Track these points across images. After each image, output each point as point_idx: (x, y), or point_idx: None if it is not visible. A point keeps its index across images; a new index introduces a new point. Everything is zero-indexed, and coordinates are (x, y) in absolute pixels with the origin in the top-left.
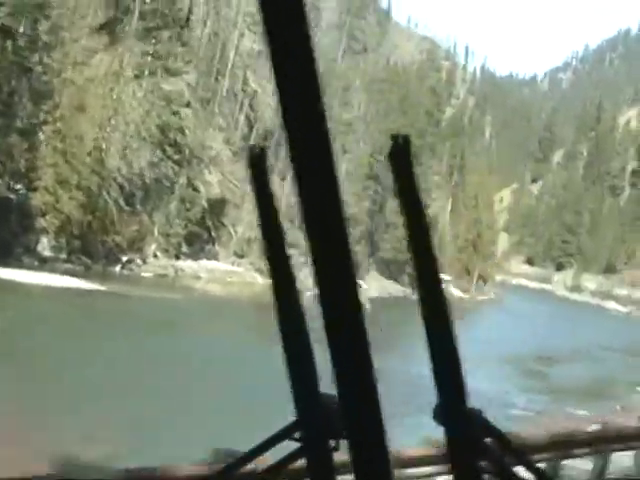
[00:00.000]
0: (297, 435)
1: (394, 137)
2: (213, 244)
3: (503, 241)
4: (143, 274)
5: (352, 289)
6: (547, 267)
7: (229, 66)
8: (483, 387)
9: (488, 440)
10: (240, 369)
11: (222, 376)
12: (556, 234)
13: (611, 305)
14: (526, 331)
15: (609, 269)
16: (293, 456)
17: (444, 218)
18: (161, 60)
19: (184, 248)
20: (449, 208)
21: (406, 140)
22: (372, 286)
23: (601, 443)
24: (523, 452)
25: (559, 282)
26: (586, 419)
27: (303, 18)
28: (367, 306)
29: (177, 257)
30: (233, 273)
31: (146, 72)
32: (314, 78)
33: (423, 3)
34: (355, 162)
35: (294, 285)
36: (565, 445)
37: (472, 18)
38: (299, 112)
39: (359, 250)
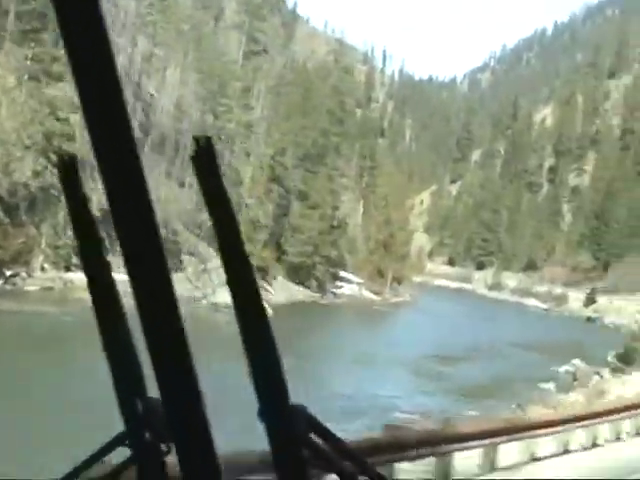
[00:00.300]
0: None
1: (196, 139)
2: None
3: (424, 242)
4: (27, 288)
5: (168, 292)
6: (468, 267)
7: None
8: (374, 390)
9: (313, 435)
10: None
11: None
12: (475, 233)
13: (531, 302)
14: (436, 331)
15: (529, 266)
16: (125, 464)
17: (356, 220)
18: (42, 64)
19: (75, 260)
20: (361, 210)
21: (209, 141)
22: (279, 292)
23: (440, 444)
24: (346, 445)
25: (479, 281)
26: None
27: (99, 22)
28: (269, 312)
29: (67, 269)
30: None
31: (26, 77)
32: (114, 83)
33: (340, 8)
34: (256, 165)
35: (114, 289)
36: (401, 446)
37: (391, 22)
38: (101, 117)
39: (265, 255)
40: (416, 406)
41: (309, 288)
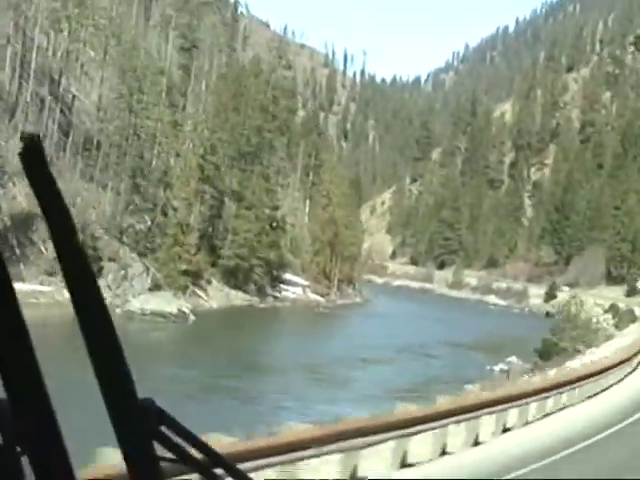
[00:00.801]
0: None
1: (23, 137)
2: (18, 264)
3: (386, 243)
4: None
5: (8, 294)
6: (430, 266)
7: (32, 68)
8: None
9: (164, 429)
10: None
11: None
12: (436, 232)
13: (491, 299)
14: (373, 333)
15: (491, 263)
16: None
17: (301, 220)
18: None
19: None
20: (307, 209)
21: (37, 139)
22: (214, 297)
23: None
24: (199, 439)
25: (441, 280)
26: None
27: None
28: (192, 318)
29: None
30: (40, 293)
31: None
32: None
33: (301, 11)
34: (185, 165)
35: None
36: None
37: (353, 25)
38: None
39: (198, 259)
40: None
41: (247, 292)
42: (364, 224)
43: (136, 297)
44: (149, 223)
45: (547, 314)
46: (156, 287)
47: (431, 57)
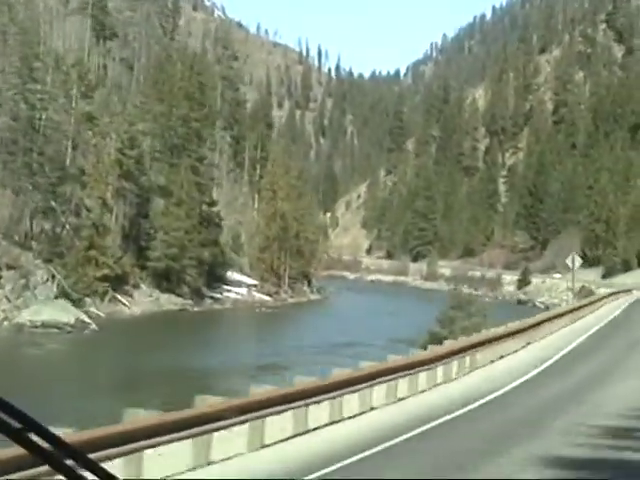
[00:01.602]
0: None
1: None
2: None
3: (361, 238)
4: None
5: None
6: (405, 259)
7: None
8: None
9: (29, 433)
10: None
11: None
12: (411, 224)
13: (464, 290)
14: (306, 334)
15: (468, 252)
16: None
17: (249, 215)
18: None
19: None
20: (254, 204)
21: None
22: (140, 302)
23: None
24: (65, 441)
25: (415, 272)
26: None
27: None
28: (92, 328)
29: None
30: None
31: None
32: None
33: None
34: (97, 160)
35: None
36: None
37: (326, 22)
38: None
39: (124, 262)
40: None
41: (181, 296)
42: (339, 219)
43: (28, 308)
44: (67, 226)
45: (519, 302)
46: (64, 295)
47: (410, 50)
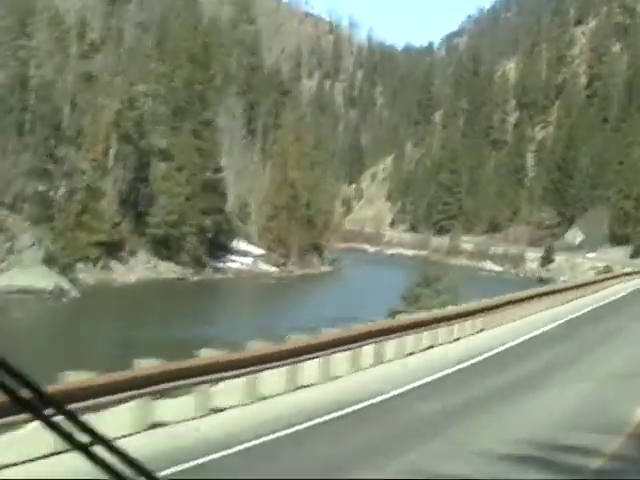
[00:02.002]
0: None
1: None
2: None
3: (385, 211)
4: None
5: None
6: (428, 233)
7: None
8: None
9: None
10: None
11: None
12: (435, 197)
13: (487, 265)
14: (299, 309)
15: (493, 228)
16: None
17: (260, 184)
18: None
19: None
20: (265, 172)
21: None
22: (137, 270)
23: None
24: (42, 389)
25: (437, 247)
26: None
27: None
28: (72, 295)
29: None
30: None
31: None
32: None
33: None
34: (96, 120)
35: None
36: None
37: None
38: None
39: (122, 228)
40: None
41: (181, 264)
42: (364, 191)
43: (24, 271)
44: (63, 189)
45: (540, 280)
46: (51, 261)
47: (445, 23)
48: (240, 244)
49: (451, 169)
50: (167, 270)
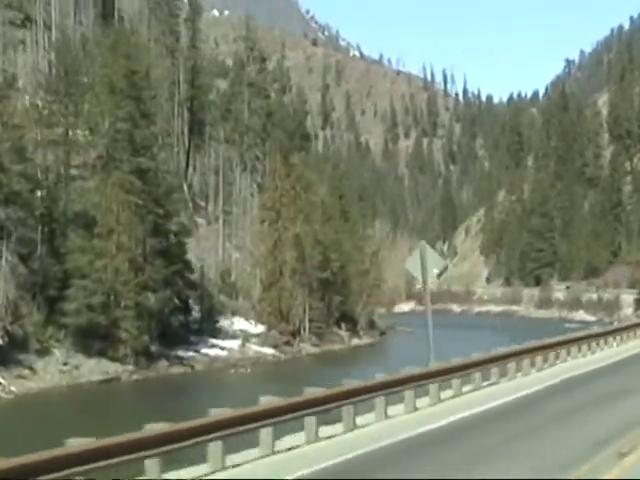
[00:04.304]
0: None
1: None
2: None
3: (479, 265)
4: None
5: None
6: (518, 285)
7: None
8: None
9: None
10: None
11: None
12: (527, 244)
13: (578, 315)
14: None
15: (591, 272)
16: None
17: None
18: None
19: None
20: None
21: None
22: (48, 373)
23: None
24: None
25: (529, 299)
26: None
27: None
28: None
29: None
30: None
31: None
32: None
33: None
34: None
35: None
36: None
37: (450, 47)
38: None
39: (26, 321)
40: None
41: (119, 359)
42: (457, 247)
43: None
44: None
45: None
46: None
47: (537, 71)
48: (234, 322)
49: (541, 212)
50: (96, 370)
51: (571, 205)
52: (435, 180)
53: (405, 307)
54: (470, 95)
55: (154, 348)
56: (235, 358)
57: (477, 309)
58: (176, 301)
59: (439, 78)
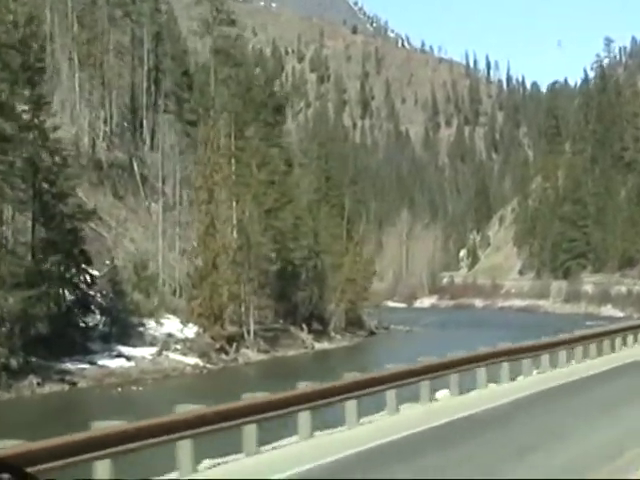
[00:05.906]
0: None
1: None
2: None
3: (512, 257)
4: None
5: None
6: (548, 278)
7: None
8: None
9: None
10: None
11: None
12: (559, 234)
13: (606, 310)
14: None
15: (627, 262)
16: None
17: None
18: None
19: None
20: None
21: None
22: None
23: None
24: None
25: (557, 293)
26: None
27: None
28: None
29: None
30: None
31: None
32: None
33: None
34: None
35: None
36: None
37: (494, 30)
38: None
39: None
40: None
41: None
42: (491, 238)
43: None
44: None
45: None
46: None
47: (585, 59)
48: (162, 325)
49: (574, 199)
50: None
51: (606, 191)
52: (476, 169)
53: (426, 302)
54: (514, 82)
55: (16, 361)
56: (140, 371)
57: (501, 304)
58: (69, 299)
59: (482, 65)
